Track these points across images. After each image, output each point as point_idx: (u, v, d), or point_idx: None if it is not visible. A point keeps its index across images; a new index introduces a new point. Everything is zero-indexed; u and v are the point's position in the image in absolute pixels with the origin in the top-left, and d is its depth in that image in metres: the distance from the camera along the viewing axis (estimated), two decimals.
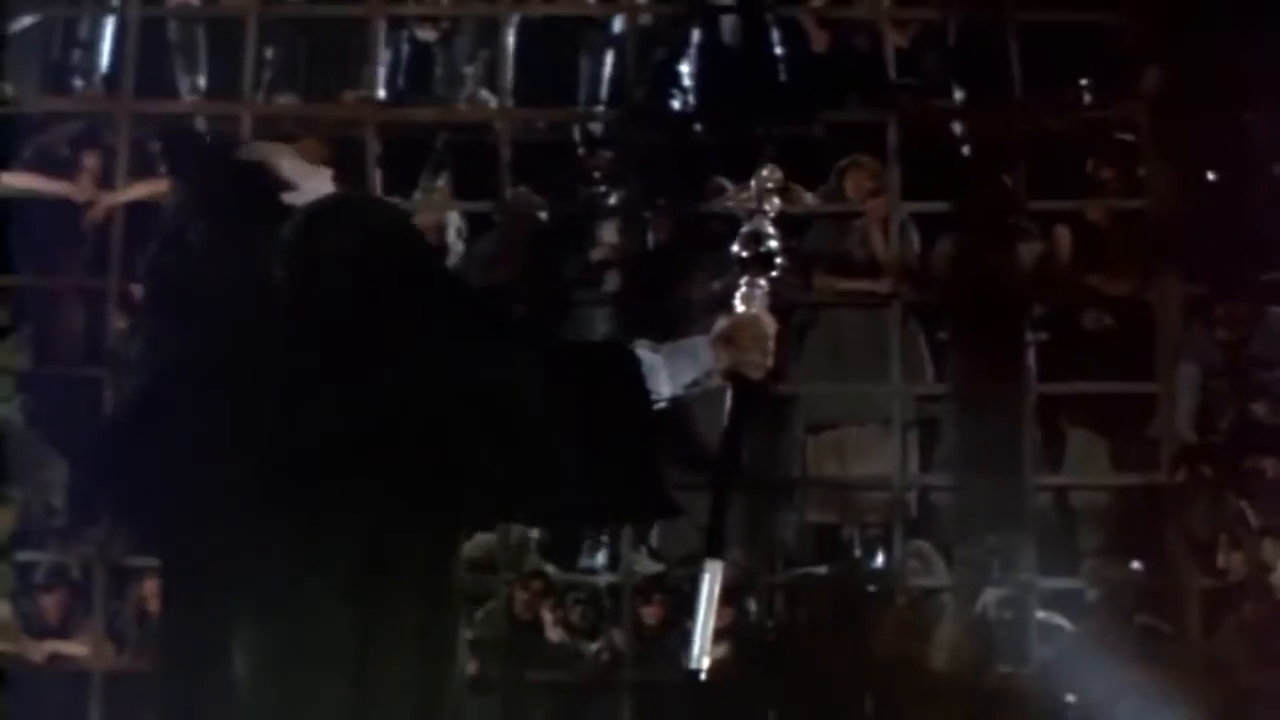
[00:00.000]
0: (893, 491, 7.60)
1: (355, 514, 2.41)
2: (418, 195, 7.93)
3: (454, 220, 7.91)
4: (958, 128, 8.14)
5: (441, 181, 7.96)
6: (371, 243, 2.54)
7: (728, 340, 2.63)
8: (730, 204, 2.48)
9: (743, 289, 2.73)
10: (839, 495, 7.78)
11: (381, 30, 7.93)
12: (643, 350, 2.57)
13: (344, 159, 7.49)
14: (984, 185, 7.94)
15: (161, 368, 2.47)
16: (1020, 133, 7.91)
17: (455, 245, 7.81)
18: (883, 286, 7.75)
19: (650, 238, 7.88)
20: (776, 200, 2.79)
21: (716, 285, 7.02)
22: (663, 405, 2.57)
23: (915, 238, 7.85)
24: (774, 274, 2.74)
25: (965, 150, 8.14)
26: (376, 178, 7.73)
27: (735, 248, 2.76)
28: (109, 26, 8.21)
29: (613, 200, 7.92)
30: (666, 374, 2.56)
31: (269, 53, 8.06)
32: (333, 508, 2.39)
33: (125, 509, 2.72)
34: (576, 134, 8.18)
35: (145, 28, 7.96)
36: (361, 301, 2.49)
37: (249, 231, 2.54)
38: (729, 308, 2.68)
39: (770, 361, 2.68)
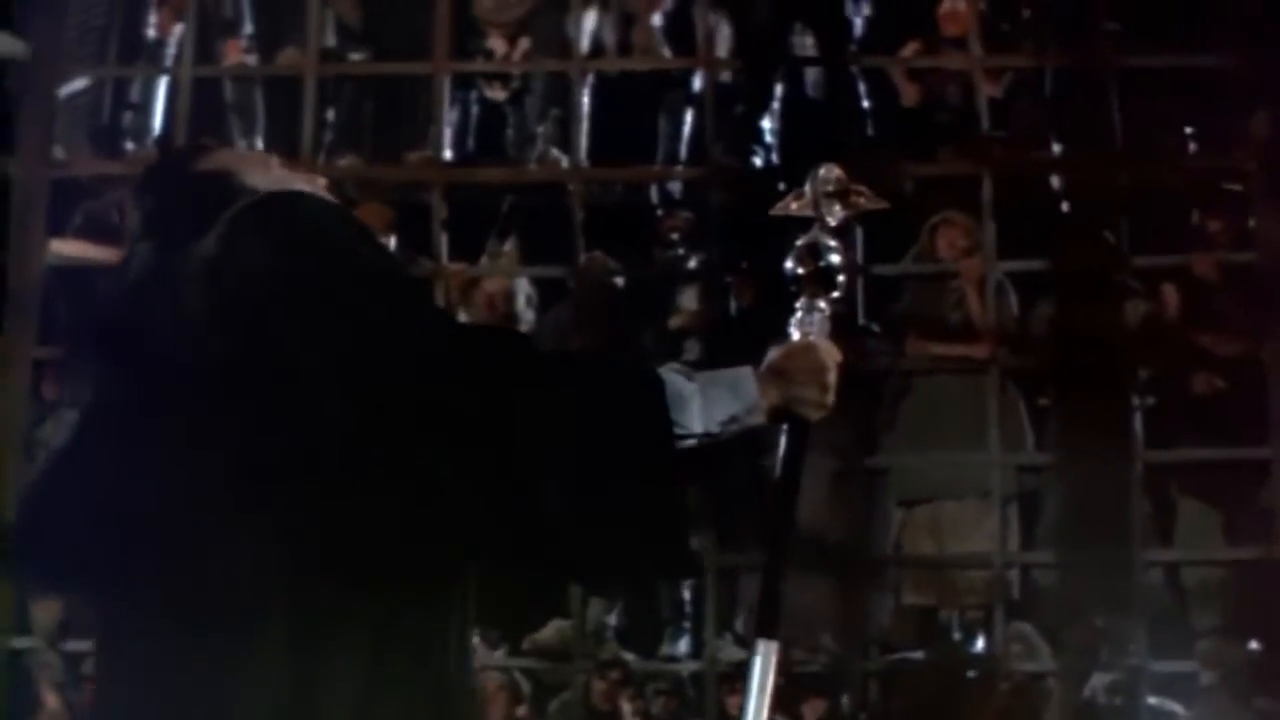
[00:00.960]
0: (993, 570, 7.40)
1: (295, 568, 2.14)
2: (484, 260, 7.83)
3: (523, 287, 7.83)
4: (1056, 181, 7.97)
5: (509, 246, 7.86)
6: (305, 250, 2.27)
7: (780, 372, 2.37)
8: (783, 212, 2.22)
9: (799, 313, 2.47)
10: (935, 575, 7.61)
11: (447, 88, 7.83)
12: (671, 375, 2.30)
13: (408, 223, 7.37)
14: (1084, 241, 7.78)
15: (79, 417, 2.25)
16: (1122, 185, 7.76)
17: (525, 313, 7.74)
18: (979, 351, 7.59)
19: (732, 303, 7.76)
20: (837, 206, 2.52)
21: None
22: (691, 442, 2.30)
23: (1012, 298, 7.70)
24: (835, 294, 2.48)
25: (1064, 205, 7.97)
26: (442, 242, 7.62)
27: (789, 264, 2.50)
28: (161, 88, 8.09)
29: (692, 264, 7.81)
30: (699, 406, 2.28)
31: (329, 113, 7.99)
32: (265, 571, 2.12)
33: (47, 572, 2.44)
34: (653, 194, 8.11)
35: (199, 88, 7.91)
36: (297, 321, 2.20)
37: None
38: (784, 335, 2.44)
39: (831, 399, 2.40)
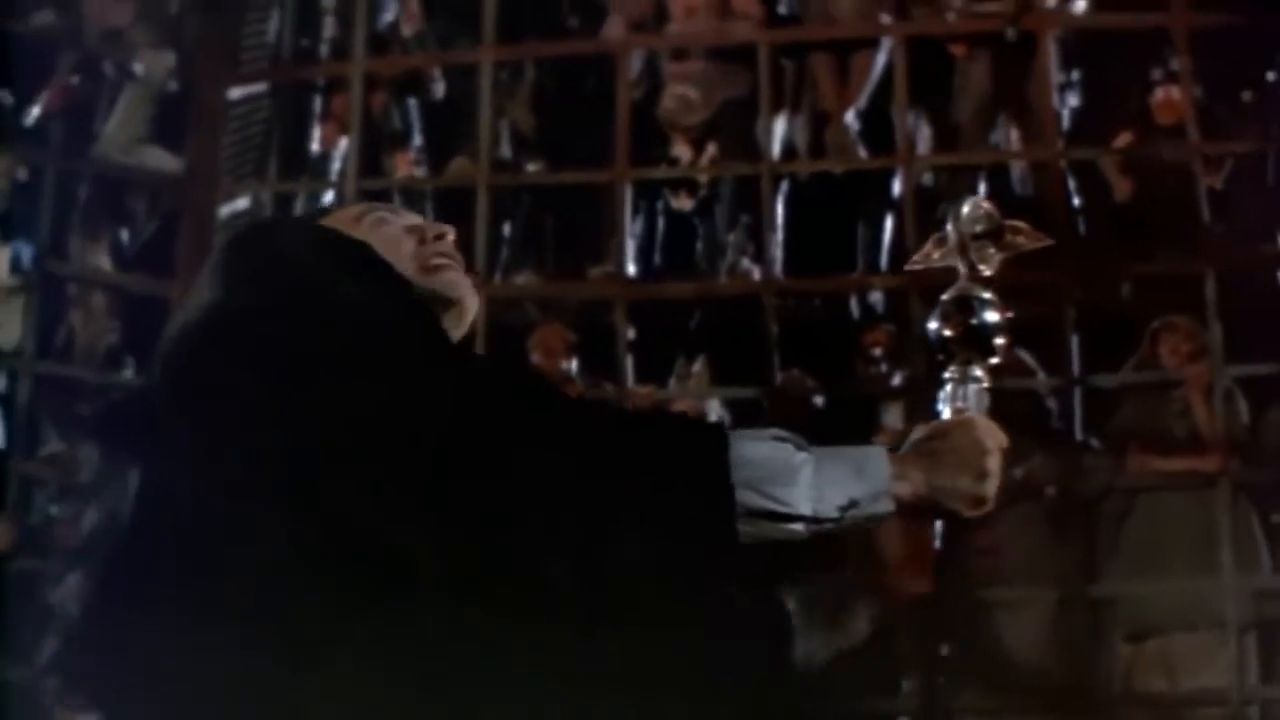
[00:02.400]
0: (1230, 707, 7.08)
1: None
2: (673, 382, 7.74)
3: (715, 409, 7.69)
4: None
5: (699, 366, 7.73)
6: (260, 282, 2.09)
7: (926, 455, 2.06)
8: (923, 264, 1.85)
9: (949, 384, 2.16)
10: (1169, 714, 7.26)
11: (629, 198, 7.78)
12: (767, 440, 1.99)
13: (590, 344, 7.23)
14: None
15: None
16: None
17: None
18: (1208, 464, 7.30)
19: None
20: (990, 250, 2.18)
21: (1018, 472, 6.67)
22: (797, 528, 1.98)
23: (1242, 406, 7.43)
24: (994, 359, 2.15)
25: None
26: (627, 363, 7.56)
27: (933, 324, 2.18)
28: (327, 203, 8.11)
29: (896, 380, 7.64)
30: (810, 482, 1.98)
31: (504, 227, 7.96)
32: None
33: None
34: (853, 306, 7.96)
35: (367, 201, 7.73)
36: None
37: None
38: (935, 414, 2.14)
39: (990, 491, 2.08)
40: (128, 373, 7.84)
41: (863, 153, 7.98)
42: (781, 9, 8.22)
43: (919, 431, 2.09)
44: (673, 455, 1.97)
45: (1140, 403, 7.53)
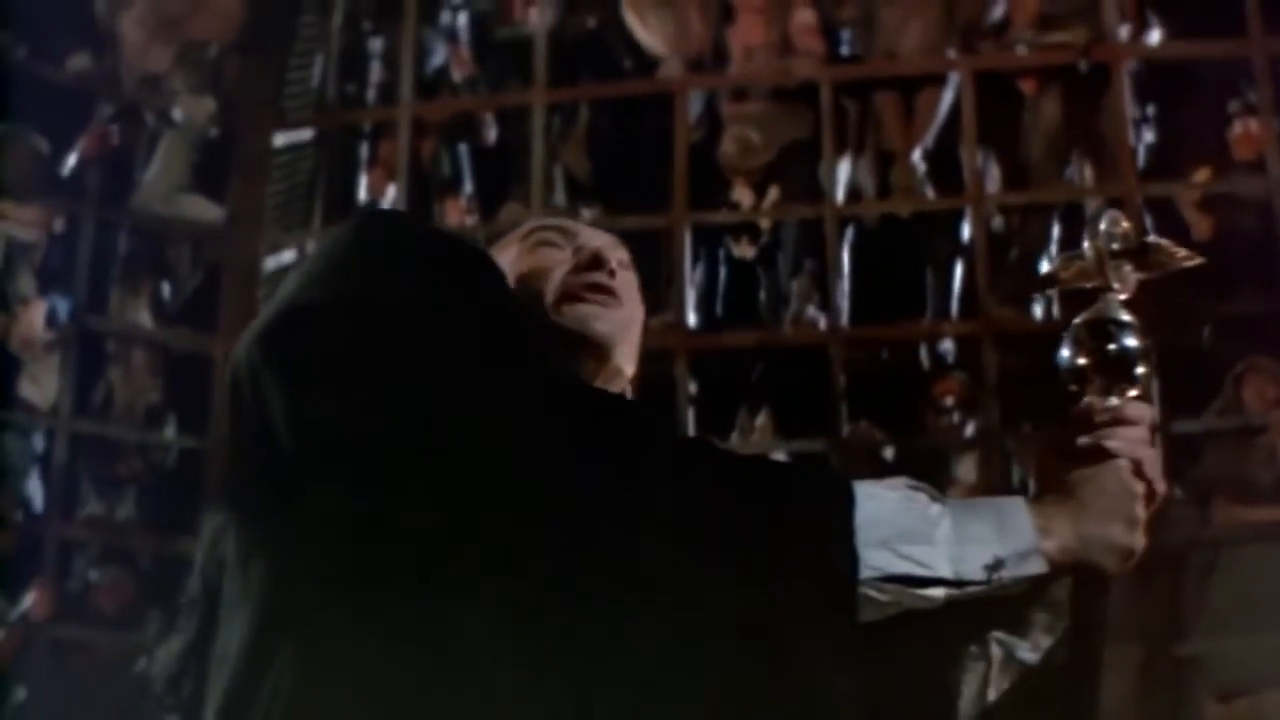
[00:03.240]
0: None
1: None
2: (735, 436, 7.59)
3: None
4: None
5: (763, 419, 7.58)
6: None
7: (1073, 501, 1.81)
8: (1053, 285, 1.66)
9: (1087, 403, 1.91)
10: None
11: (688, 244, 7.71)
12: (894, 490, 1.76)
13: (650, 396, 7.03)
14: None
15: None
16: None
17: None
18: None
19: (1015, 473, 7.40)
20: (1128, 268, 1.97)
21: None
22: (937, 595, 1.73)
23: None
24: (1134, 391, 1.91)
25: None
26: (688, 417, 7.47)
27: (1065, 352, 1.93)
28: None
29: (969, 431, 7.48)
30: (950, 539, 1.73)
31: None
32: None
33: None
34: (922, 355, 7.78)
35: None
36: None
37: None
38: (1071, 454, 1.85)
39: (1141, 542, 1.83)
40: (169, 431, 7.74)
41: (930, 194, 7.88)
42: (844, 49, 8.13)
43: (1058, 474, 1.84)
44: (790, 508, 1.73)
45: (1225, 450, 7.40)
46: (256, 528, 1.82)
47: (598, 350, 2.06)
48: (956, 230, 7.74)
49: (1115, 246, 1.96)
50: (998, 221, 7.77)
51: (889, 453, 7.45)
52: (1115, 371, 1.91)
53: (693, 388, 7.52)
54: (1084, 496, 1.80)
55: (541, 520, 1.69)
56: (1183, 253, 2.00)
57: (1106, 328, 1.92)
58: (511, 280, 2.08)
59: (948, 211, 7.81)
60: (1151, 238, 2.00)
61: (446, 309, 1.82)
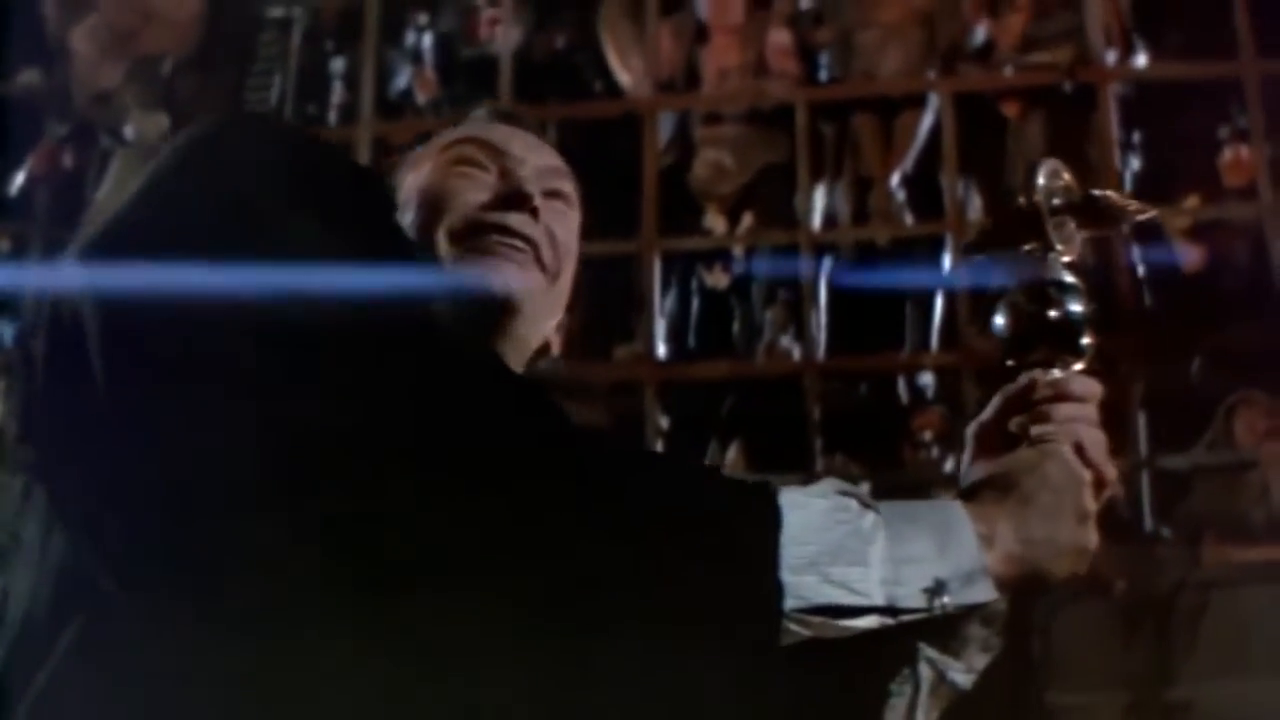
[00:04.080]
0: None
1: None
2: None
3: None
4: None
5: (734, 453, 7.44)
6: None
7: (1015, 499, 1.55)
8: (987, 241, 1.49)
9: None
10: None
11: (658, 272, 7.62)
12: (824, 499, 1.49)
13: (618, 430, 7.05)
14: None
15: None
16: None
17: None
18: None
19: None
20: (1071, 226, 1.73)
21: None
22: (868, 623, 1.45)
23: None
24: (1078, 365, 1.69)
25: None
26: (657, 449, 7.23)
27: (1000, 320, 1.72)
28: None
29: (948, 467, 7.33)
30: (886, 558, 1.47)
31: None
32: None
33: None
34: (900, 388, 7.71)
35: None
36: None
37: None
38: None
39: (1094, 539, 1.59)
40: None
41: (909, 220, 7.79)
42: (821, 73, 8.05)
43: (985, 468, 1.62)
44: (706, 525, 1.44)
45: (1214, 486, 7.31)
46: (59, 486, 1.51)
47: (507, 319, 1.79)
48: (936, 259, 7.68)
49: (1057, 201, 1.73)
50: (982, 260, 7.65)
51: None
52: (1057, 341, 1.69)
53: (663, 421, 7.45)
54: (1026, 490, 1.56)
55: (387, 520, 1.38)
56: (1134, 205, 1.77)
57: (1047, 291, 1.70)
58: (411, 205, 1.81)
59: (927, 239, 7.72)
60: (1097, 190, 1.75)
61: (302, 237, 1.47)
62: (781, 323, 7.66)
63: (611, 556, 1.39)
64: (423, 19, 8.43)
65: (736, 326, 7.74)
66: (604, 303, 7.75)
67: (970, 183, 7.69)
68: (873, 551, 1.46)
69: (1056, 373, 1.69)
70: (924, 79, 7.87)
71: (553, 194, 1.90)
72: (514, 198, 1.82)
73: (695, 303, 7.77)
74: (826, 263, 7.64)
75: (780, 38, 7.91)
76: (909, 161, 7.82)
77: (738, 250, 7.86)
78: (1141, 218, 1.75)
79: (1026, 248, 1.74)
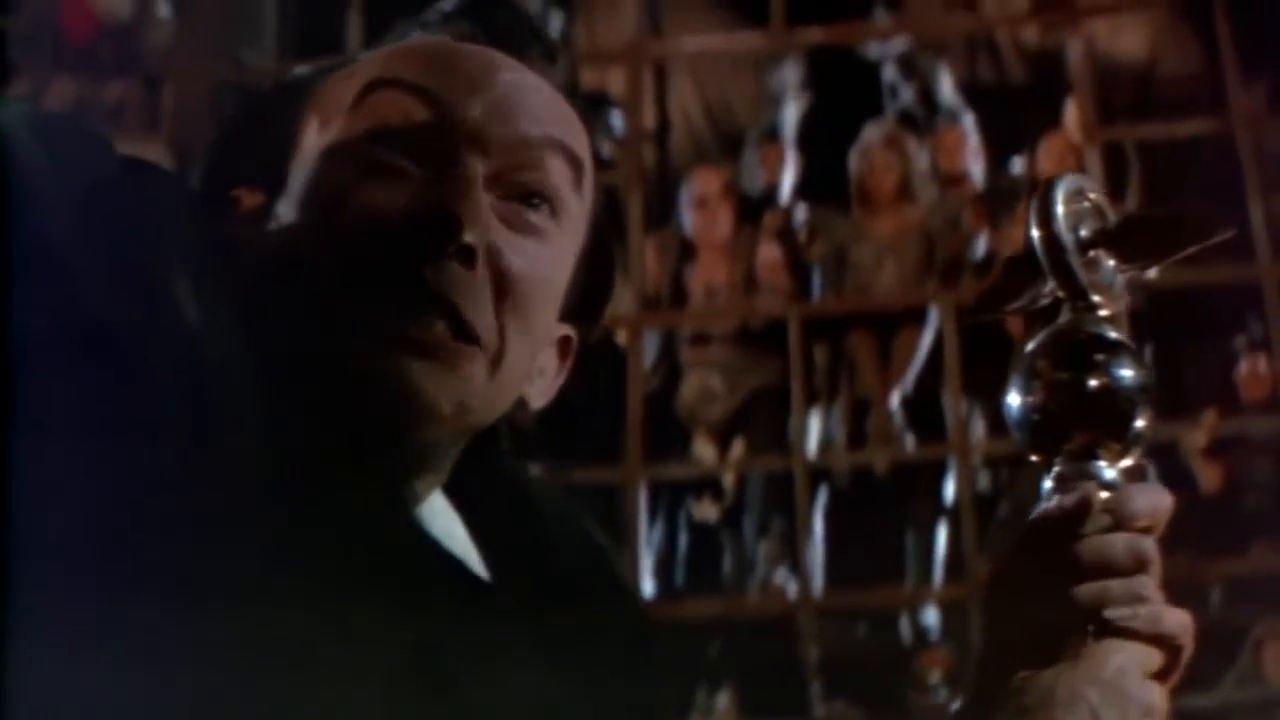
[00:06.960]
0: None
1: None
2: (694, 718, 7.30)
3: None
4: None
5: (724, 699, 7.27)
6: None
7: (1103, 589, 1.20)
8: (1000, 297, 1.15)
9: (1058, 476, 1.26)
10: None
11: (643, 503, 7.48)
12: None
13: None
14: None
15: None
16: None
17: None
18: None
19: None
20: (1110, 264, 1.30)
21: None
22: None
23: None
24: (1128, 459, 1.26)
25: None
26: None
27: (1016, 397, 1.30)
28: None
29: (954, 708, 6.95)
30: None
31: None
32: None
33: None
34: (903, 626, 7.53)
35: None
36: None
37: None
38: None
39: (1187, 640, 1.27)
40: None
41: (910, 444, 7.67)
42: (815, 291, 7.95)
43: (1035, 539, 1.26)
44: None
45: None
46: None
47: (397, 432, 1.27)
48: (939, 487, 7.57)
49: (1084, 232, 1.29)
50: (984, 480, 7.57)
51: None
52: (1101, 420, 1.25)
53: None
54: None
55: None
56: (1208, 230, 1.32)
57: (1082, 349, 1.28)
58: (294, 201, 1.23)
59: (929, 464, 7.62)
60: (1140, 212, 1.37)
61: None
62: (775, 557, 7.54)
63: None
64: None
65: (728, 562, 7.60)
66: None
67: (974, 403, 7.56)
68: None
69: (1109, 472, 1.24)
70: (923, 292, 7.79)
71: (524, 195, 1.26)
72: (438, 224, 1.19)
73: (683, 537, 7.64)
74: (823, 491, 7.53)
75: (771, 253, 7.85)
76: (909, 381, 7.72)
77: (728, 479, 7.75)
78: (1215, 240, 1.31)
79: (1045, 300, 1.33)
